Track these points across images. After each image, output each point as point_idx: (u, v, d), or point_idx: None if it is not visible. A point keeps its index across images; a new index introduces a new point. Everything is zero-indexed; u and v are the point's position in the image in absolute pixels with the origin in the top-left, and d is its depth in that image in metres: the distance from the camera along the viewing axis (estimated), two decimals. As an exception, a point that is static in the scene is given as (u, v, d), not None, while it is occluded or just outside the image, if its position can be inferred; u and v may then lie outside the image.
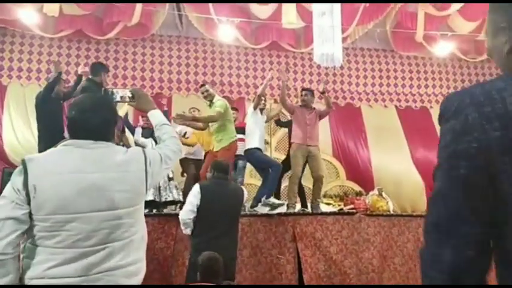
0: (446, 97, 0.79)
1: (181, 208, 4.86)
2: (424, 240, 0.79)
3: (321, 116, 5.15)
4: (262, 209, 4.71)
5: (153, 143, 4.97)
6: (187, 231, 3.32)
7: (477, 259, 0.72)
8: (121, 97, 1.75)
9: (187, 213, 3.28)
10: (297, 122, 4.99)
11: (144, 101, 1.79)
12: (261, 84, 7.23)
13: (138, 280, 1.54)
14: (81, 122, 1.50)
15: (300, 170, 4.88)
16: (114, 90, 1.77)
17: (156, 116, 1.79)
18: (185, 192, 5.08)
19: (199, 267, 2.72)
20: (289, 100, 5.68)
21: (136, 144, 4.99)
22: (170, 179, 5.05)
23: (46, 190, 1.38)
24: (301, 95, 5.17)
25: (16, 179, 1.40)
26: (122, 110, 5.37)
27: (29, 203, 1.37)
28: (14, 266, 1.39)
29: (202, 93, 4.68)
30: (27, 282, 1.40)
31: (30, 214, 1.38)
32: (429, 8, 6.90)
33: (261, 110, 5.01)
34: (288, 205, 4.86)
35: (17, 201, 1.37)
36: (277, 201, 4.74)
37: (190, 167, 5.24)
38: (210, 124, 4.71)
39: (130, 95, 1.76)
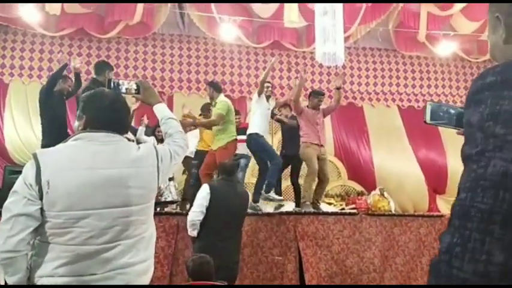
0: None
1: (180, 208, 4.89)
2: None
3: (326, 113, 5.13)
4: (264, 207, 4.69)
5: (155, 141, 4.96)
6: (194, 233, 3.25)
7: None
8: (126, 89, 1.70)
9: (197, 215, 3.21)
10: (306, 122, 4.89)
11: (149, 94, 1.74)
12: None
13: (147, 278, 1.52)
14: (112, 112, 1.49)
15: (317, 168, 4.72)
16: (120, 82, 1.72)
17: (161, 110, 1.76)
18: (185, 191, 5.08)
19: (190, 271, 2.66)
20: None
21: (139, 142, 4.98)
22: (170, 179, 5.03)
23: (60, 186, 1.34)
24: (316, 98, 4.99)
25: (28, 174, 1.36)
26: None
27: (41, 199, 1.33)
28: (24, 264, 1.35)
29: (209, 94, 4.63)
30: (36, 280, 1.36)
31: (41, 210, 1.34)
32: (432, 7, 6.86)
33: (268, 98, 4.88)
34: (303, 203, 4.79)
35: (29, 196, 1.33)
36: (277, 197, 4.69)
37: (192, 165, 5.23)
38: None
39: (135, 87, 1.72)
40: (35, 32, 6.70)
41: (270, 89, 4.92)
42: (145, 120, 5.55)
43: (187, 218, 3.36)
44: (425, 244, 4.69)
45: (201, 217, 3.20)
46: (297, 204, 5.03)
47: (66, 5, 6.23)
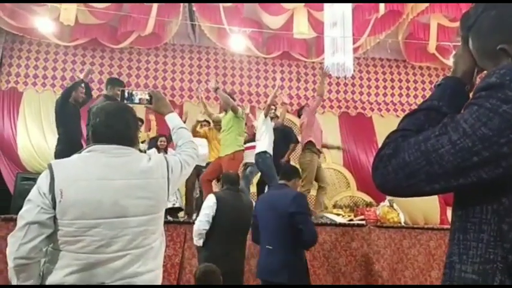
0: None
1: (188, 217, 4.90)
2: None
3: (311, 108, 5.21)
4: None
5: (156, 152, 5.01)
6: (200, 242, 3.24)
7: None
8: (139, 99, 1.74)
9: (203, 224, 3.20)
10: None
11: (161, 104, 1.78)
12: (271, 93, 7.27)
13: None
14: (107, 126, 1.52)
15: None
16: (134, 92, 1.75)
17: (173, 120, 1.79)
18: (187, 197, 5.09)
19: (196, 280, 2.64)
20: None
21: None
22: None
23: (72, 195, 1.38)
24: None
25: (42, 183, 1.40)
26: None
27: (54, 207, 1.37)
28: (36, 271, 1.39)
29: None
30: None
31: (54, 218, 1.38)
32: (442, 19, 6.85)
33: (271, 118, 5.03)
34: None
35: (42, 205, 1.37)
36: None
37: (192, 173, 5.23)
38: (222, 129, 4.75)
39: (148, 98, 1.74)
40: (49, 41, 6.86)
41: (274, 111, 5.09)
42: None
43: (193, 227, 3.36)
44: (435, 257, 4.61)
45: (207, 226, 3.20)
46: None
47: (80, 15, 6.38)
